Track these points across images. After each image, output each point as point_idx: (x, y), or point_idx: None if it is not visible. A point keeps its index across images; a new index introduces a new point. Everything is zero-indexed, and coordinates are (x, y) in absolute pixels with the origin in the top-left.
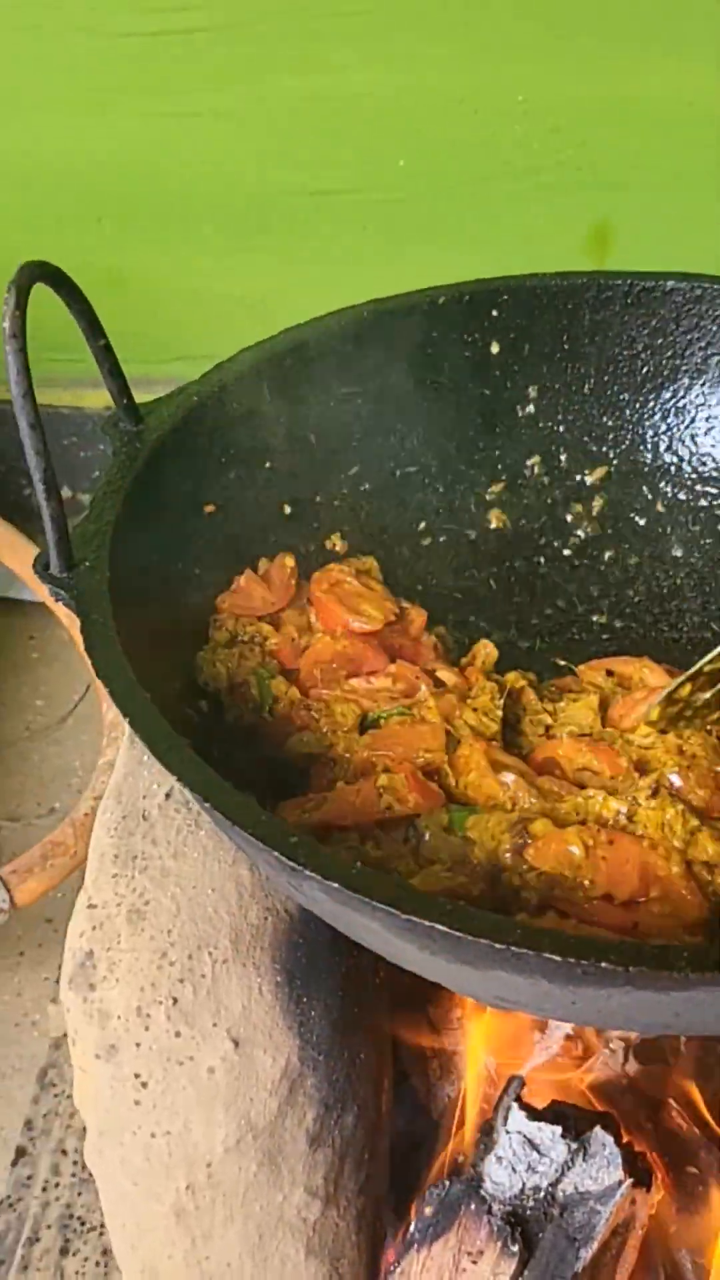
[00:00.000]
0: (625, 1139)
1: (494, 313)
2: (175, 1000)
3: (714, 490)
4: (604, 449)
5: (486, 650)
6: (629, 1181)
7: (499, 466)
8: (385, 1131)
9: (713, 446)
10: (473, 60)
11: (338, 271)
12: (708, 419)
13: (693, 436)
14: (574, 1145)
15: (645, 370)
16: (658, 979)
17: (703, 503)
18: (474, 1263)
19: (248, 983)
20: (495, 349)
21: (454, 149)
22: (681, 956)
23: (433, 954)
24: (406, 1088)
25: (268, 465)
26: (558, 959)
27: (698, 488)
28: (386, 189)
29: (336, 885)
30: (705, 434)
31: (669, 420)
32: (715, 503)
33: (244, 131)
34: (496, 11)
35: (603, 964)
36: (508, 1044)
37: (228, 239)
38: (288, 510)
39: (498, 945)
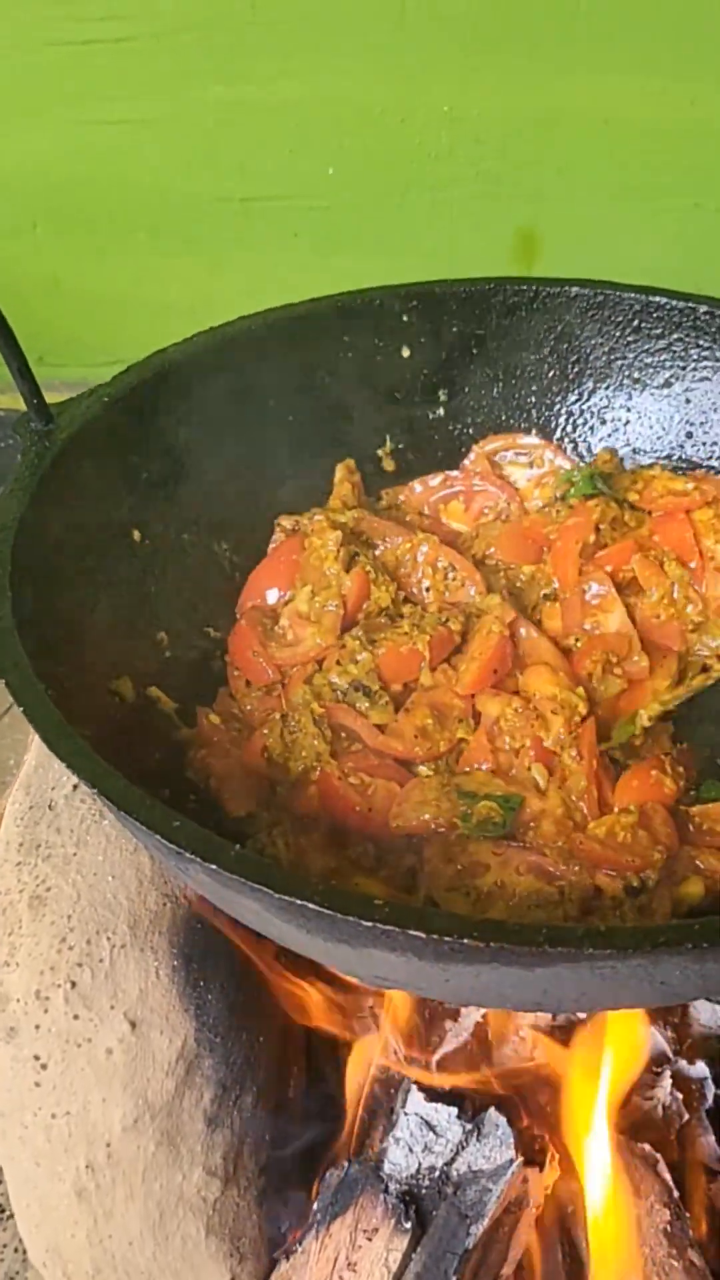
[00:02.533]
0: (525, 1122)
1: (404, 318)
2: (74, 984)
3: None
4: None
5: None
6: (520, 1160)
7: (407, 473)
8: (291, 1114)
9: (617, 447)
10: (400, 72)
11: (267, 277)
12: (611, 420)
13: (597, 438)
14: (469, 1126)
15: (551, 374)
16: (520, 955)
17: None
18: (369, 1240)
19: (145, 966)
20: (406, 353)
21: (381, 158)
22: (541, 933)
23: (310, 933)
24: (316, 1072)
25: (179, 464)
26: (422, 935)
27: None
28: (315, 197)
29: (215, 867)
30: (610, 435)
31: (575, 422)
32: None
33: (173, 140)
34: (421, 26)
35: (465, 940)
36: (419, 1031)
37: (159, 245)
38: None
39: (365, 922)
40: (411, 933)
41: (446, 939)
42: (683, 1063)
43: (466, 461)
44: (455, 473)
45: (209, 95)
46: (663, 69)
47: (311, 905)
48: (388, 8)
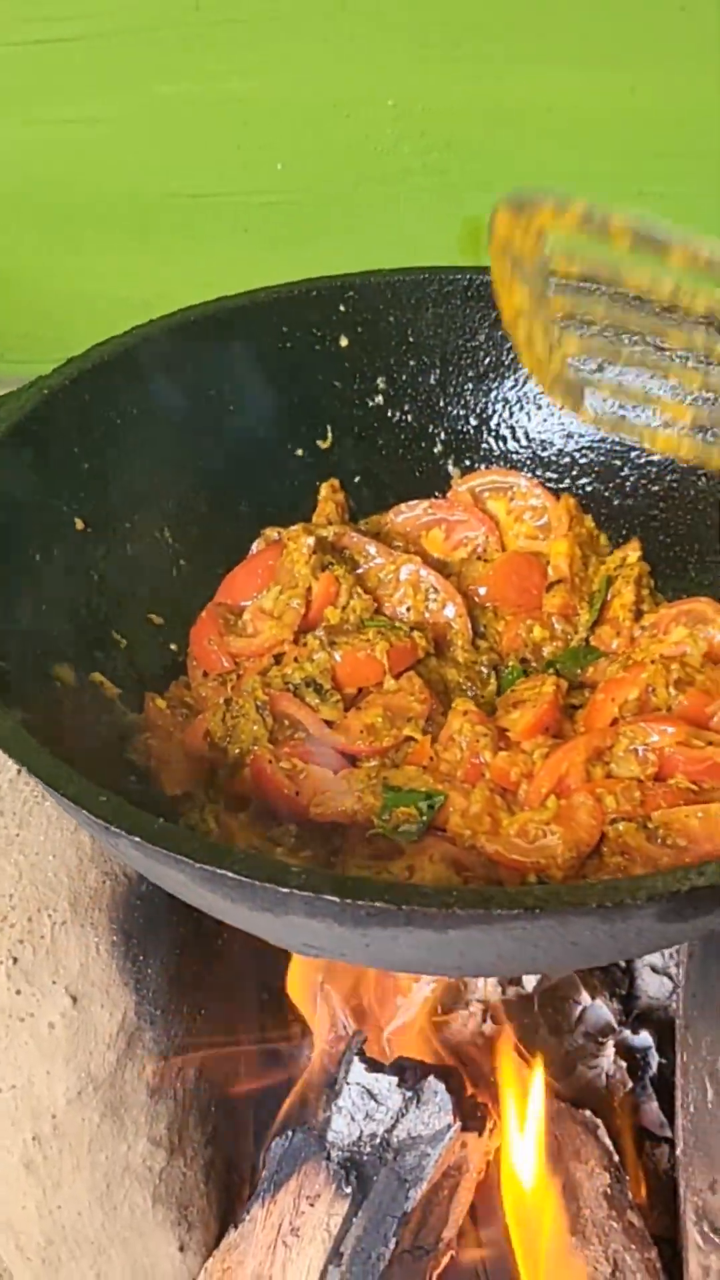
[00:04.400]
0: (470, 1092)
1: (341, 308)
2: (15, 960)
3: (553, 475)
4: (449, 436)
5: None
6: (458, 1125)
7: (351, 456)
8: (239, 1087)
9: (550, 432)
10: (344, 67)
11: (219, 271)
12: (546, 406)
13: (533, 423)
14: (409, 1094)
15: (487, 361)
16: (431, 917)
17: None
18: (311, 1205)
19: (85, 942)
20: (344, 342)
21: (328, 152)
22: (451, 895)
23: (234, 902)
24: (268, 1047)
25: (121, 454)
26: (336, 900)
27: (537, 471)
28: (264, 191)
29: (139, 839)
30: (544, 421)
31: (511, 407)
32: (550, 485)
33: (124, 137)
34: (365, 20)
35: (377, 904)
36: (370, 1005)
37: (112, 241)
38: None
39: (281, 889)
40: (326, 897)
41: (359, 903)
42: (627, 1033)
43: (451, 493)
44: (440, 500)
45: (156, 93)
46: (602, 59)
47: (230, 874)
48: (328, 4)
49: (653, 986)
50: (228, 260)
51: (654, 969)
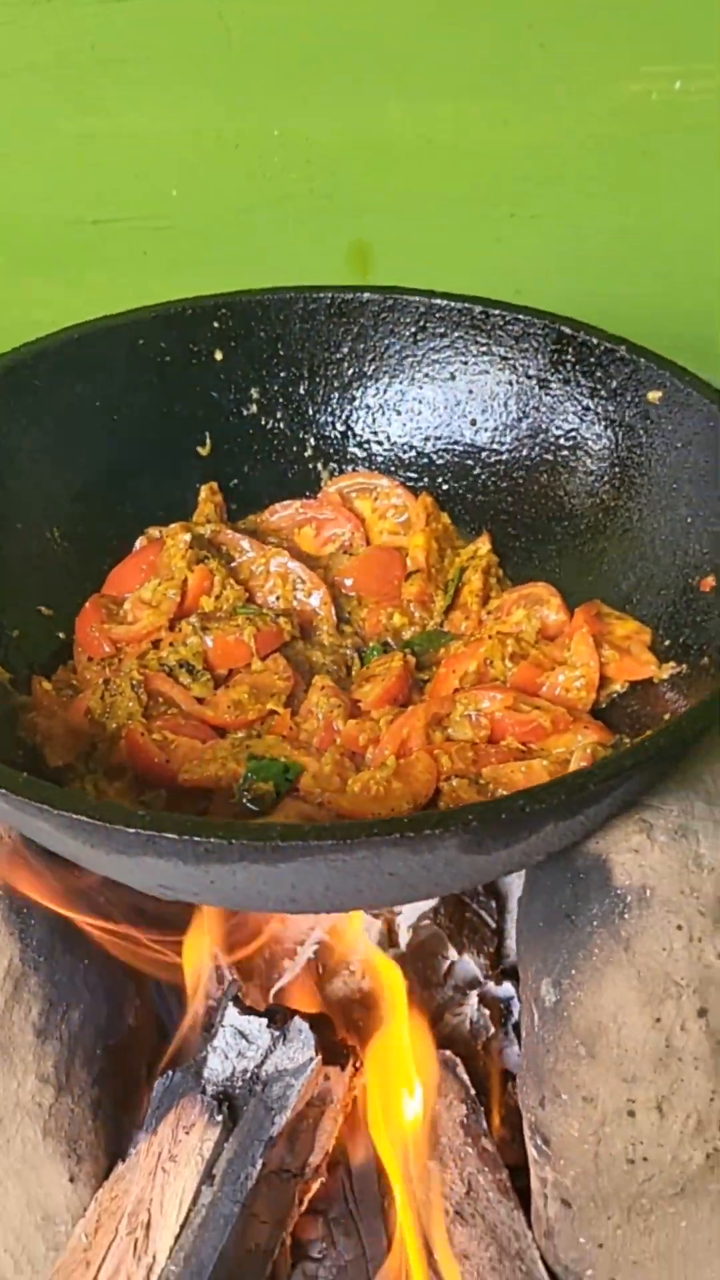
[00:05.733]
0: (339, 1035)
1: (215, 325)
2: None
3: (413, 474)
4: (318, 442)
5: None
6: (319, 1059)
7: (228, 461)
8: (129, 1026)
9: (409, 436)
10: (232, 101)
11: (121, 293)
12: (405, 412)
13: (394, 428)
14: (276, 1033)
15: (351, 371)
16: (260, 850)
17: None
18: (187, 1134)
19: None
20: (220, 356)
21: (219, 179)
22: (274, 830)
23: (94, 848)
24: (155, 997)
25: (10, 460)
26: (175, 837)
27: (398, 473)
28: (161, 218)
29: (6, 791)
30: (404, 426)
31: (374, 415)
32: (410, 485)
33: (29, 169)
34: (250, 57)
35: (211, 839)
36: (259, 967)
37: (19, 268)
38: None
39: (129, 830)
40: (167, 835)
41: (196, 839)
42: (491, 984)
43: (321, 494)
44: (311, 500)
45: (61, 127)
46: (474, 92)
47: (85, 819)
48: (215, 41)
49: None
50: (129, 282)
51: None
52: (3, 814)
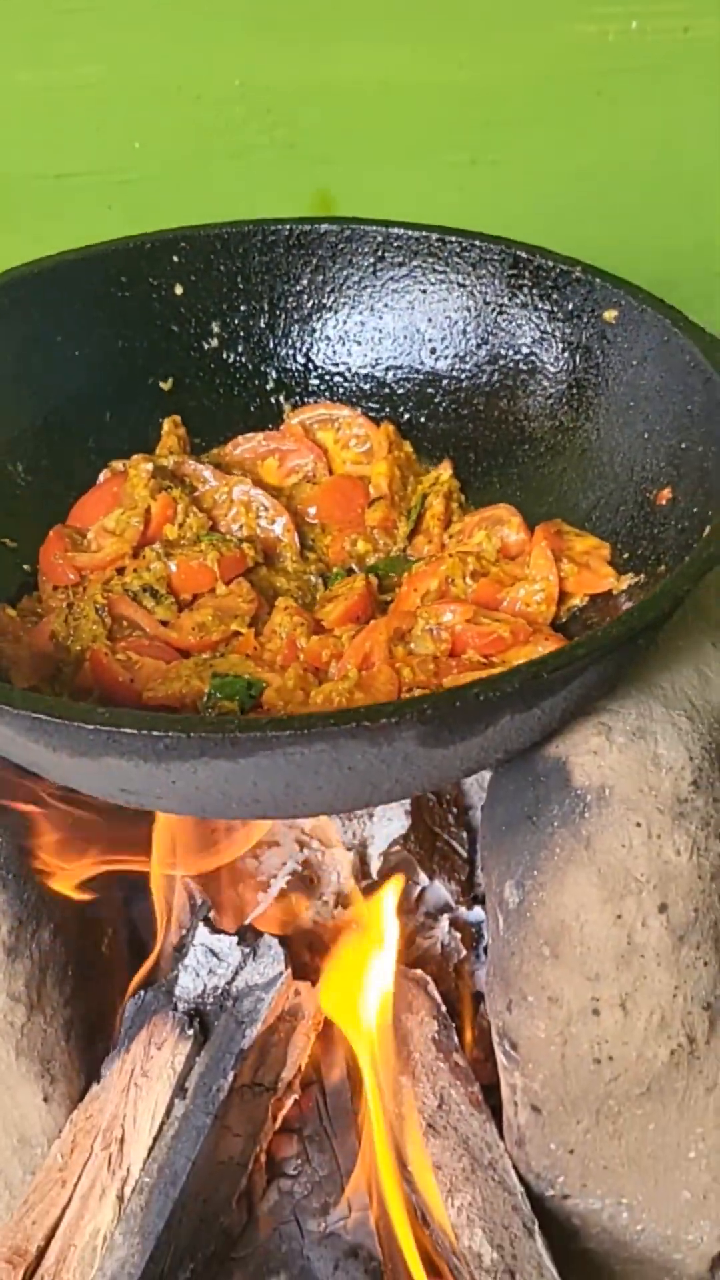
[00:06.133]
0: (307, 958)
1: (175, 259)
2: None
3: (374, 404)
4: (279, 375)
5: None
6: (289, 973)
7: (190, 395)
8: (102, 954)
9: (370, 367)
10: (191, 50)
11: None
12: (365, 341)
13: (354, 358)
14: (246, 950)
15: (310, 303)
16: (218, 744)
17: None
18: (158, 1049)
19: None
20: (179, 290)
21: (181, 131)
22: (232, 722)
23: (56, 750)
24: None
25: None
26: (135, 731)
27: (360, 403)
28: (124, 170)
29: None
30: (364, 357)
31: (334, 346)
32: (372, 415)
33: None
34: (208, 5)
35: (170, 733)
36: (231, 899)
37: None
38: None
39: (88, 726)
40: (125, 730)
41: (154, 733)
42: (462, 909)
43: (283, 426)
44: (274, 432)
45: (17, 80)
46: (431, 36)
47: (45, 716)
48: None
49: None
50: (93, 237)
51: None
52: None
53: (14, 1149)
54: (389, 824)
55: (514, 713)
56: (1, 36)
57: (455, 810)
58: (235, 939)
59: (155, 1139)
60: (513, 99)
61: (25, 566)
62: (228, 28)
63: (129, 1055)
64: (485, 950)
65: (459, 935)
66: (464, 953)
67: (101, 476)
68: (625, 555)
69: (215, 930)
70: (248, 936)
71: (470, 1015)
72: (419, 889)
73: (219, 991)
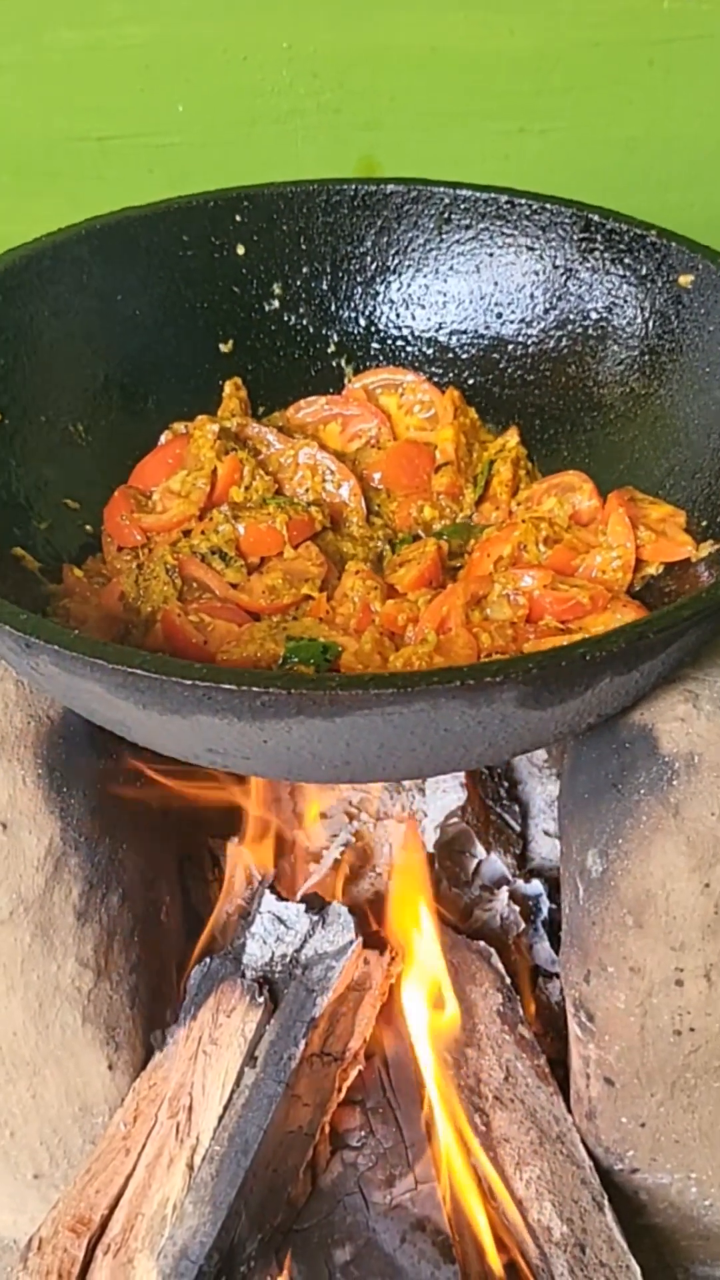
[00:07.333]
0: (374, 928)
1: (237, 218)
2: None
3: (438, 369)
4: (341, 338)
5: None
6: (359, 941)
7: (250, 358)
8: (161, 922)
9: (434, 332)
10: (239, 11)
11: None
12: (430, 305)
13: (418, 322)
14: (315, 918)
15: (374, 265)
16: (317, 701)
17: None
18: (228, 1017)
19: (13, 775)
20: (241, 251)
21: (227, 94)
22: (333, 679)
23: (146, 708)
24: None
25: (34, 354)
26: (233, 687)
27: (424, 368)
28: (167, 133)
29: (57, 647)
30: (428, 321)
31: (397, 309)
32: (436, 380)
33: (28, 83)
34: None
35: (270, 689)
36: (285, 870)
37: (22, 186)
38: (54, 391)
39: (186, 681)
40: (224, 686)
41: (254, 689)
42: (520, 882)
43: (346, 390)
44: (336, 396)
45: (61, 40)
46: (482, 1)
47: (140, 671)
48: None
49: (545, 848)
50: (134, 199)
51: (546, 833)
52: (49, 680)
53: (74, 1117)
54: (444, 796)
55: (614, 674)
56: None
57: (506, 784)
58: (303, 907)
59: (225, 1107)
60: (563, 67)
61: (88, 528)
62: None
63: (195, 1023)
64: (544, 924)
65: (517, 909)
66: (523, 926)
67: (163, 438)
68: (704, 523)
69: (282, 898)
70: (314, 904)
71: (529, 989)
72: (476, 861)
73: (287, 959)
